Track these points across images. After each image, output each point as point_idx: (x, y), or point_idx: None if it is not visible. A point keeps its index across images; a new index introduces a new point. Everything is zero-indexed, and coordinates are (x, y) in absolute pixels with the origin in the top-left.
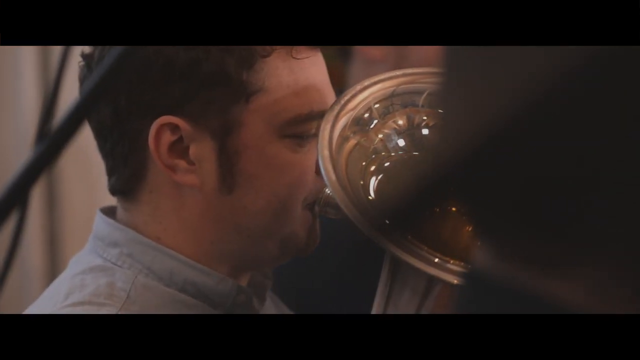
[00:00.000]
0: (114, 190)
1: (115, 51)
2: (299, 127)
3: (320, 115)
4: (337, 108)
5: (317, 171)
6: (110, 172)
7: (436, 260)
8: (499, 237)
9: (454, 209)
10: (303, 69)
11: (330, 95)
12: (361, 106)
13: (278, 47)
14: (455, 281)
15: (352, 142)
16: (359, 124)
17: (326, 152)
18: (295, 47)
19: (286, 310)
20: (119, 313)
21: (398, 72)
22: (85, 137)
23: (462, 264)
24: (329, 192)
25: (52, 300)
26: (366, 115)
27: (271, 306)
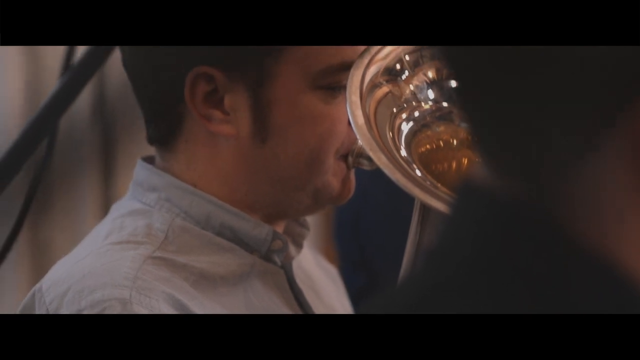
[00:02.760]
0: (151, 140)
1: None
2: (331, 78)
3: (351, 66)
4: (367, 57)
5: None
6: (148, 121)
7: None
8: (494, 149)
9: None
10: None
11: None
12: (391, 56)
13: None
14: None
15: (384, 89)
16: (391, 74)
17: (354, 98)
18: None
19: (324, 263)
20: (157, 253)
21: None
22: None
23: None
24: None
25: (92, 242)
26: (397, 66)
27: (308, 257)
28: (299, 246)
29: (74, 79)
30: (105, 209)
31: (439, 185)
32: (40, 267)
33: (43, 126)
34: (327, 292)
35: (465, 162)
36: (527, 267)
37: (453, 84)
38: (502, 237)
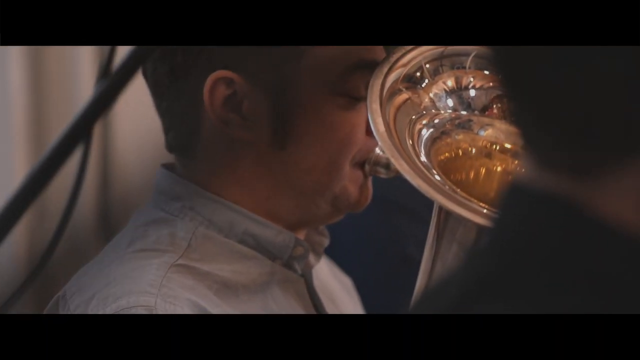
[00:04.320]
0: (171, 148)
1: None
2: (350, 81)
3: (369, 64)
4: (387, 65)
5: (368, 132)
6: (167, 129)
7: (485, 210)
8: (543, 146)
9: (499, 168)
10: None
11: (377, 46)
12: (412, 64)
13: None
14: None
15: (403, 96)
16: (411, 81)
17: (375, 106)
18: None
19: (340, 274)
20: (180, 260)
21: None
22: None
23: None
24: (379, 151)
25: (115, 250)
26: (418, 74)
27: (324, 268)
28: (319, 255)
29: (112, 86)
30: None
31: (458, 190)
32: None
33: (78, 133)
34: (344, 303)
35: (483, 171)
36: (586, 265)
37: (472, 93)
38: (559, 234)
